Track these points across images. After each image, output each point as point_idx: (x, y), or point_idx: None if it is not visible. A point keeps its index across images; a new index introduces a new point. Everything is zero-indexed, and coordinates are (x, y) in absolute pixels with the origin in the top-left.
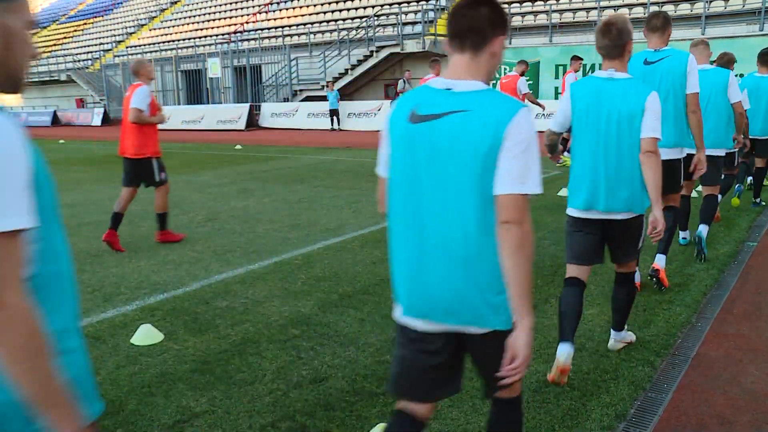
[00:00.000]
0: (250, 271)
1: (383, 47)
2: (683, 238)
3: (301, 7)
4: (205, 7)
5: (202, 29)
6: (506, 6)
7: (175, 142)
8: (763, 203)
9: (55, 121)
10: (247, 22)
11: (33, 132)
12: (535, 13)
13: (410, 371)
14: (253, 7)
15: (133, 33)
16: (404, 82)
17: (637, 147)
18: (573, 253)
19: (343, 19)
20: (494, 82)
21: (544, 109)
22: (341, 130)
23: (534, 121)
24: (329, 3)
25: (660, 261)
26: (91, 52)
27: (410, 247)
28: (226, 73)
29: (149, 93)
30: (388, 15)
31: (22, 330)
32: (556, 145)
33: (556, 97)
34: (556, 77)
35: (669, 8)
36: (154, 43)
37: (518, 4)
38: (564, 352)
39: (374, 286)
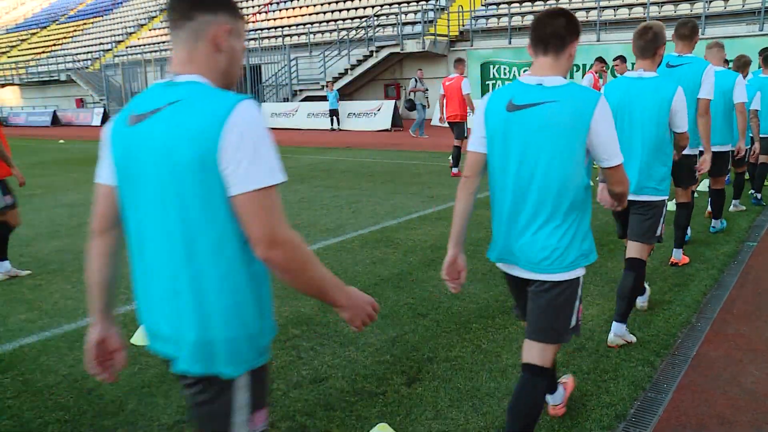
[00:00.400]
0: None
1: (383, 47)
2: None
3: (301, 7)
4: None
5: None
6: (506, 6)
7: None
8: (763, 203)
9: (55, 121)
10: (247, 22)
11: (33, 132)
12: (535, 13)
13: None
14: (253, 7)
15: (133, 33)
16: (416, 81)
17: (663, 138)
18: (622, 231)
19: (343, 19)
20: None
21: None
22: (341, 130)
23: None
24: (329, 3)
25: (676, 254)
26: (91, 52)
27: (506, 204)
28: None
29: None
30: (388, 15)
31: (300, 252)
32: None
33: None
34: None
35: (669, 8)
36: (154, 43)
37: (518, 4)
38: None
39: (374, 286)
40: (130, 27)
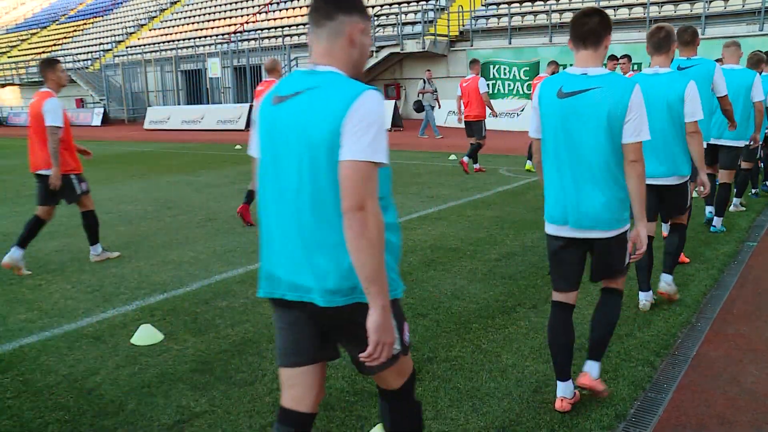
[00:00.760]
0: (250, 271)
1: (383, 47)
2: (710, 212)
3: (301, 7)
4: (205, 7)
5: (202, 29)
6: (506, 6)
7: (175, 142)
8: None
9: None
10: (247, 22)
11: None
12: (535, 13)
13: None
14: (253, 7)
15: (133, 33)
16: (425, 81)
17: (680, 126)
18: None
19: None
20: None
21: None
22: None
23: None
24: None
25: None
26: (91, 52)
27: (568, 178)
28: (226, 73)
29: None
30: (388, 15)
31: (375, 227)
32: None
33: None
34: None
35: (669, 8)
36: (154, 43)
37: (518, 4)
38: None
39: None
40: (130, 27)
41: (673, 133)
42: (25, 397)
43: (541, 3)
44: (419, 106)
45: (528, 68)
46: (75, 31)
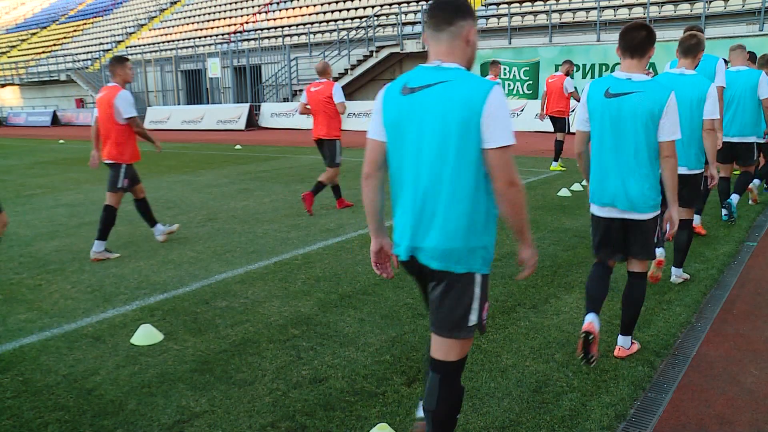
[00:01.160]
0: (250, 271)
1: (383, 47)
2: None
3: (301, 7)
4: (205, 7)
5: (202, 29)
6: (506, 6)
7: (175, 142)
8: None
9: (55, 121)
10: (247, 22)
11: (33, 132)
12: (535, 13)
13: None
14: (253, 7)
15: (133, 33)
16: None
17: (697, 125)
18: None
19: (343, 19)
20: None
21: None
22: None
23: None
24: (329, 3)
25: (695, 220)
26: (91, 52)
27: (613, 167)
28: (225, 73)
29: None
30: (388, 15)
31: (523, 195)
32: None
33: None
34: None
35: (669, 8)
36: (154, 43)
37: (518, 4)
38: None
39: (374, 286)
40: (130, 27)
41: (691, 129)
42: (25, 397)
43: (541, 3)
44: None
45: (528, 68)
46: (75, 31)
